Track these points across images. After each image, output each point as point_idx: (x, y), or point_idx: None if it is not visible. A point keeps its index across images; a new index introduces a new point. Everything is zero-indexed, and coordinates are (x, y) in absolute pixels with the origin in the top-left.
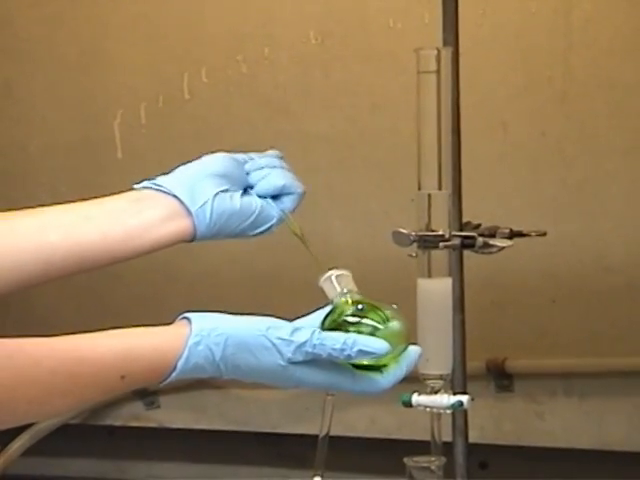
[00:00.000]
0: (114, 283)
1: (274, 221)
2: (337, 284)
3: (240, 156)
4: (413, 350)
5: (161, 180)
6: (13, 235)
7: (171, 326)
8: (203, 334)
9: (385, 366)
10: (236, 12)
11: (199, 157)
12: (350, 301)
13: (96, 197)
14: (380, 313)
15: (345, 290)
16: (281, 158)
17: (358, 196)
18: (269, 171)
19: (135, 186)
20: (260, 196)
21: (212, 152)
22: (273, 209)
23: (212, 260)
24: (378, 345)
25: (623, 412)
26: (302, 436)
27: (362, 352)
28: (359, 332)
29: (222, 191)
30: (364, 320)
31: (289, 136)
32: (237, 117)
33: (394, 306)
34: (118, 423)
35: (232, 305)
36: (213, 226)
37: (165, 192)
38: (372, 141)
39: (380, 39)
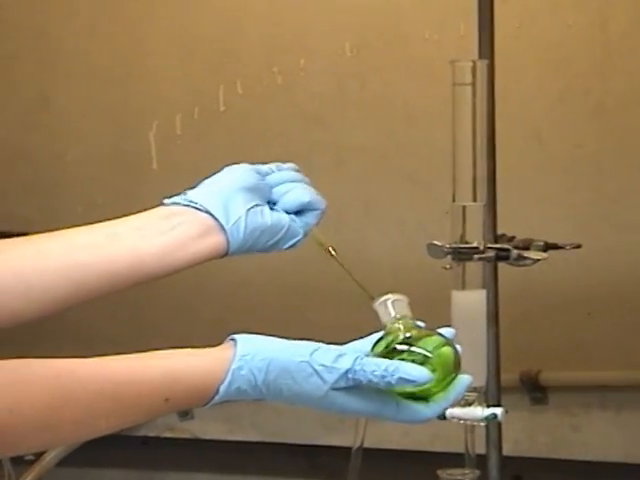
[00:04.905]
0: (148, 294)
1: (300, 237)
2: (391, 309)
3: (261, 168)
4: (463, 379)
5: (192, 195)
6: (40, 257)
7: (216, 348)
8: (247, 358)
9: (433, 395)
10: (272, 24)
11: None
12: (402, 328)
13: (132, 208)
14: (431, 341)
15: (399, 316)
16: (299, 171)
17: (393, 208)
18: (292, 185)
19: (165, 201)
20: (285, 211)
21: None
22: (298, 225)
23: (245, 271)
24: (419, 373)
25: None
26: (336, 448)
27: (403, 379)
28: (409, 360)
29: (254, 206)
30: (413, 348)
31: (324, 147)
32: (272, 128)
33: (450, 330)
34: (152, 434)
35: (265, 316)
36: (245, 242)
37: (198, 208)
38: (407, 153)
39: (416, 51)
